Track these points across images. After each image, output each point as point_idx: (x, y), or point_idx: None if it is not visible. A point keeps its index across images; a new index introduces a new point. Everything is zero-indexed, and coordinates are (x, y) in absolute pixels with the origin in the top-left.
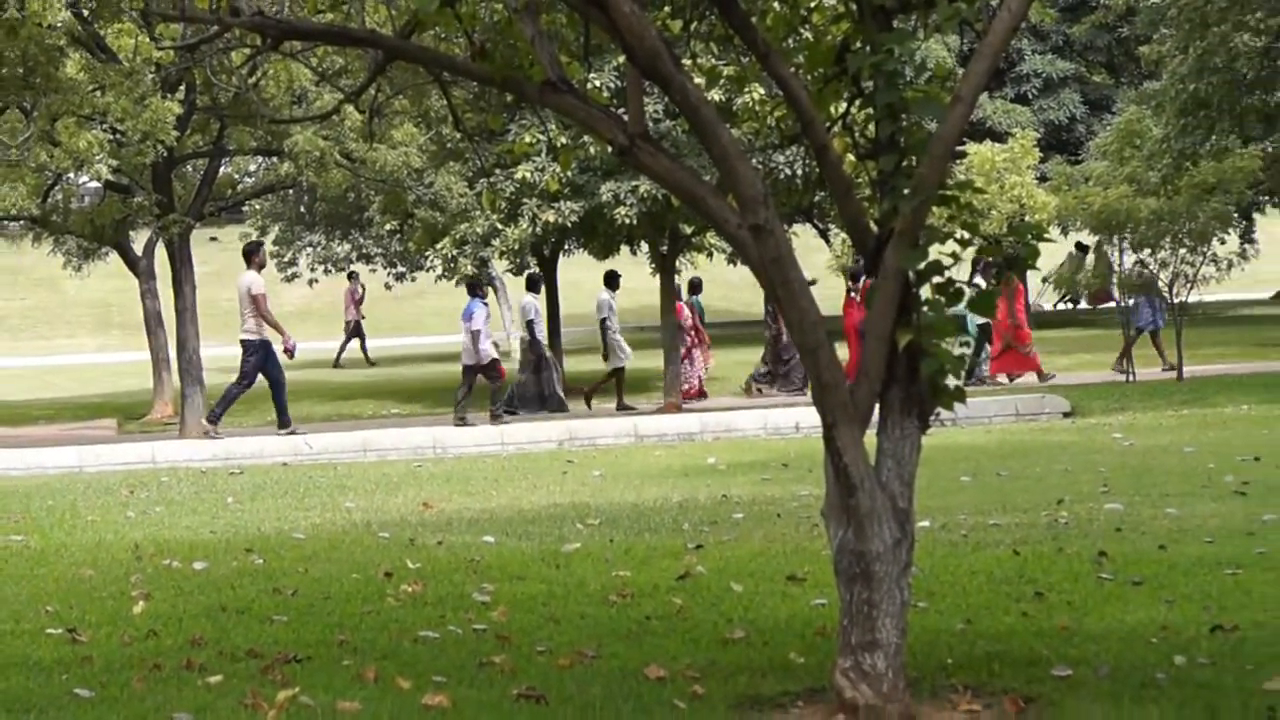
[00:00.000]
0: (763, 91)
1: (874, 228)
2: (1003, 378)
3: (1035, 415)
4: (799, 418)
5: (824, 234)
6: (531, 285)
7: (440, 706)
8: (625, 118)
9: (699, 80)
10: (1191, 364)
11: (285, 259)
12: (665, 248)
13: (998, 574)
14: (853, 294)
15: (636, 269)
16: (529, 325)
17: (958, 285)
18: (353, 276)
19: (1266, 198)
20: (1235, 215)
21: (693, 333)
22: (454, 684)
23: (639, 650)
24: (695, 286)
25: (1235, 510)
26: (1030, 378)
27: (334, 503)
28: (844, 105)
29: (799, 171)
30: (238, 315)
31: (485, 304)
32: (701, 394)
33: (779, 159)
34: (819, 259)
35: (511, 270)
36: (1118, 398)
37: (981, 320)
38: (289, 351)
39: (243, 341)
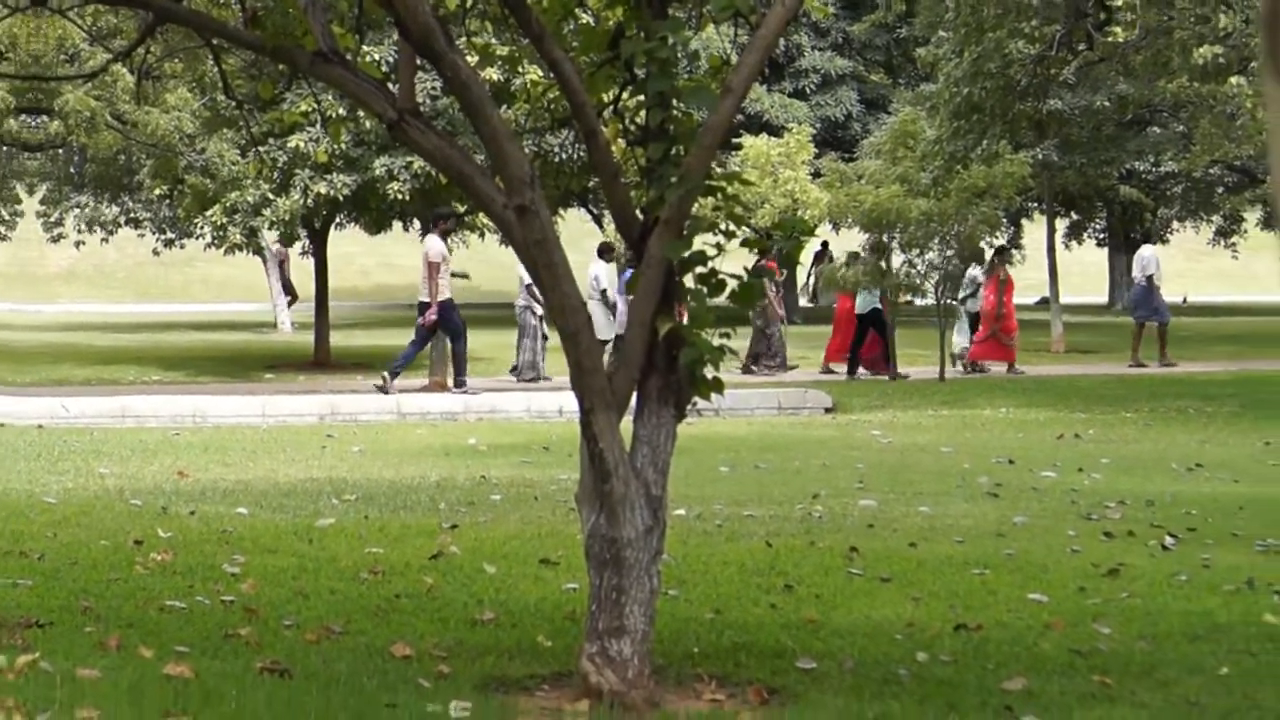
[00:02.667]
0: (539, 73)
1: (640, 215)
2: (980, 363)
3: (797, 410)
4: (563, 402)
5: (597, 219)
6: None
7: (182, 676)
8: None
9: (472, 59)
10: (954, 366)
11: (52, 219)
12: None
13: (749, 565)
14: None
15: (409, 246)
16: (529, 289)
17: (721, 276)
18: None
19: (1035, 204)
20: (1004, 220)
21: None
22: (197, 654)
23: (387, 628)
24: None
25: (987, 511)
26: (999, 366)
27: (88, 468)
28: (616, 91)
29: (572, 155)
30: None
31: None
32: None
33: (552, 141)
34: (592, 244)
35: (282, 241)
36: (879, 395)
37: (975, 309)
38: (426, 325)
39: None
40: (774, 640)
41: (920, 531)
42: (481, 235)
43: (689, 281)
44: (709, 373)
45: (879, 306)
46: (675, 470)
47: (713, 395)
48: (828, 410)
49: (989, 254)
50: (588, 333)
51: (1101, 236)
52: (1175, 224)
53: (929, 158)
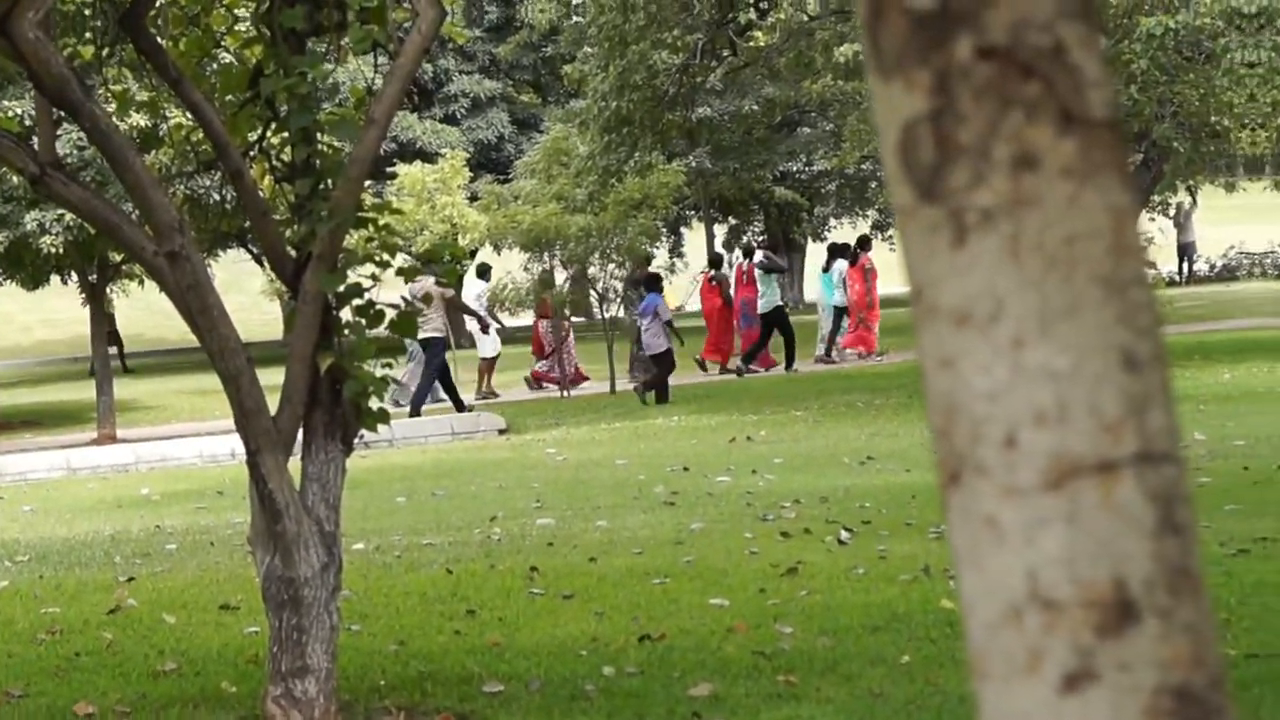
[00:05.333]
0: (187, 117)
1: (292, 251)
2: (851, 353)
3: (471, 434)
4: (235, 445)
5: (258, 258)
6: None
7: None
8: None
9: (112, 106)
10: (622, 377)
11: None
12: (94, 276)
13: (431, 593)
14: (712, 280)
15: (69, 300)
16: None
17: (379, 307)
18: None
19: (693, 212)
20: (663, 229)
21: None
22: None
23: (68, 687)
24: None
25: (664, 520)
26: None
27: None
28: (260, 129)
29: (223, 196)
30: None
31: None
32: (581, 377)
33: (205, 183)
34: (254, 284)
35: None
36: (552, 414)
37: (840, 302)
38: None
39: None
40: (459, 666)
41: (599, 546)
42: (141, 283)
43: (347, 314)
44: (374, 404)
45: (780, 304)
46: (351, 504)
47: (384, 426)
48: (501, 432)
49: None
50: (249, 375)
51: (761, 239)
52: (832, 221)
53: (583, 174)
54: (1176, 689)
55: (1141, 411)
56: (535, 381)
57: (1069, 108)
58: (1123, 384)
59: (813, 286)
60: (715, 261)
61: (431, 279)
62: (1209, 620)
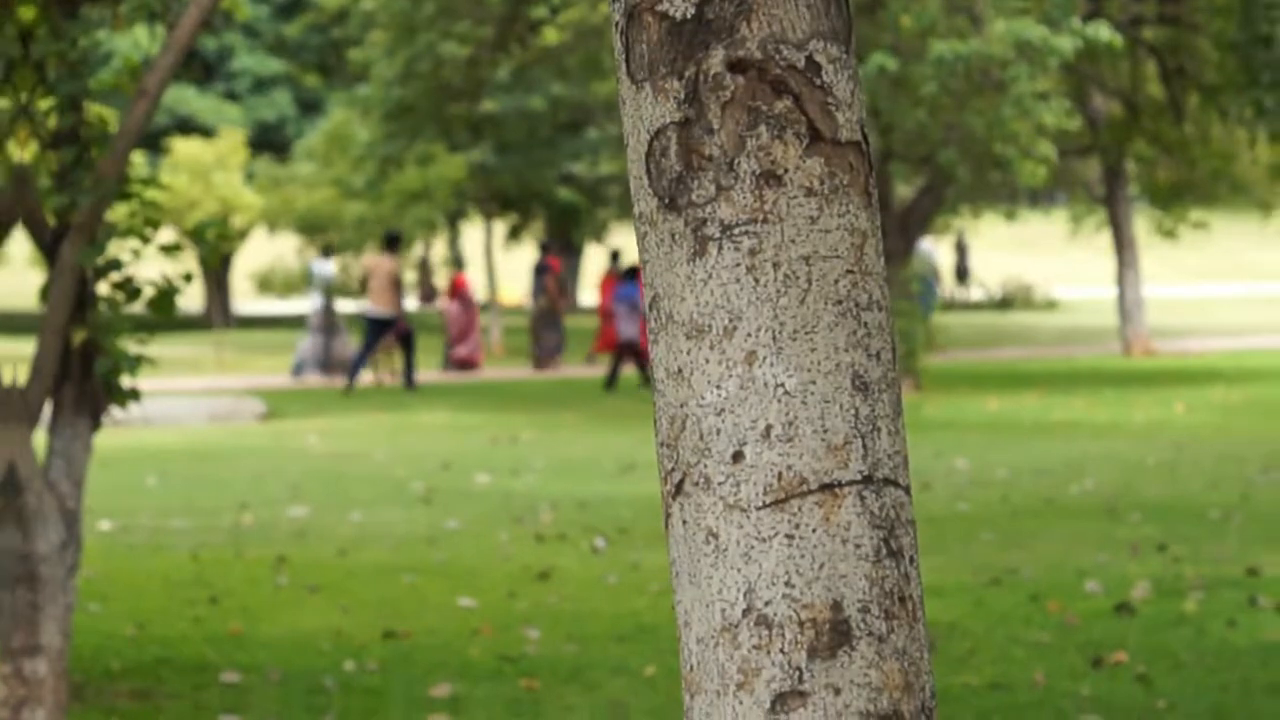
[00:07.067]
0: None
1: (51, 221)
2: None
3: (230, 418)
4: None
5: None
6: (326, 252)
7: None
8: None
9: None
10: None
11: None
12: None
13: (174, 578)
14: (611, 275)
15: None
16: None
17: (137, 283)
18: None
19: (473, 206)
20: (442, 222)
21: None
22: None
23: None
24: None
25: (419, 517)
26: None
27: None
28: (26, 94)
29: None
30: None
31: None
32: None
33: None
34: (21, 250)
35: None
36: (316, 402)
37: None
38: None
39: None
40: (198, 654)
41: (351, 539)
42: None
43: (104, 289)
44: (126, 381)
45: None
46: (100, 482)
47: (140, 404)
48: (262, 418)
49: None
50: None
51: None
52: (613, 224)
53: (363, 161)
54: (885, 714)
55: (869, 434)
56: (459, 365)
57: (817, 127)
58: (852, 406)
59: (590, 289)
60: (616, 256)
61: (384, 258)
62: (923, 647)
